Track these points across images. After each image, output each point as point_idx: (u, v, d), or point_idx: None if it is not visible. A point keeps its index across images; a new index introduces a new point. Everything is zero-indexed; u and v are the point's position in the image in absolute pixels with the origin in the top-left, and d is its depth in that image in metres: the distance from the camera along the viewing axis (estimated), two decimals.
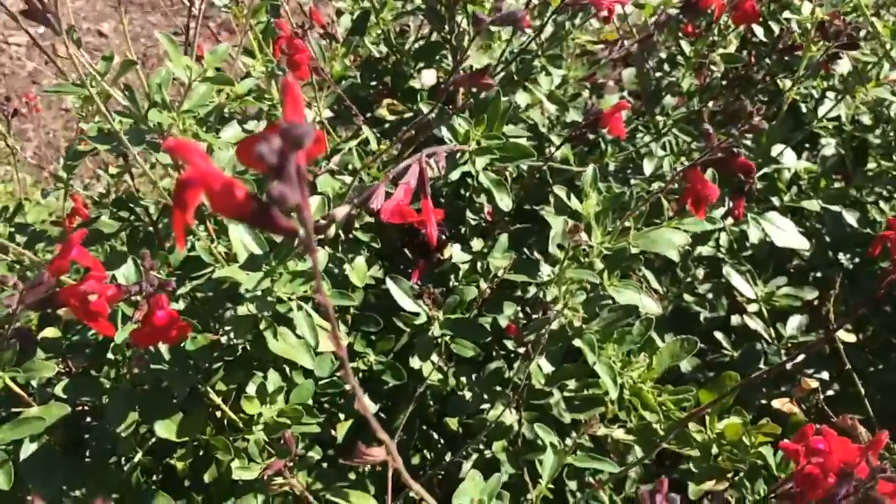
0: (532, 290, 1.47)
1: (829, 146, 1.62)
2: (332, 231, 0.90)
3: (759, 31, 1.65)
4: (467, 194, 1.48)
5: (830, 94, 1.70)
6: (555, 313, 1.07)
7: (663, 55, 1.65)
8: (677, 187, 1.06)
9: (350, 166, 1.27)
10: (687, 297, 1.60)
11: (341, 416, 1.42)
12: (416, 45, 1.57)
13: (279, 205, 0.43)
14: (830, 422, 1.26)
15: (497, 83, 1.46)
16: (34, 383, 1.08)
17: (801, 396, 1.23)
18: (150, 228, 1.24)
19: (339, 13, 1.58)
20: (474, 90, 1.30)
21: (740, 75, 1.53)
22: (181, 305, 1.13)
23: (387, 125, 1.40)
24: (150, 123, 1.04)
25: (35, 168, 3.57)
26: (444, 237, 1.27)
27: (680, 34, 1.67)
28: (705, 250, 1.68)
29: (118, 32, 4.83)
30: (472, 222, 1.45)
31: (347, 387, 1.40)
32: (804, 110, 1.61)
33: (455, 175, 1.21)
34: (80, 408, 1.22)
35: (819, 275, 1.88)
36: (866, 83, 1.41)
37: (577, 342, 1.12)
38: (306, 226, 0.46)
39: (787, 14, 1.36)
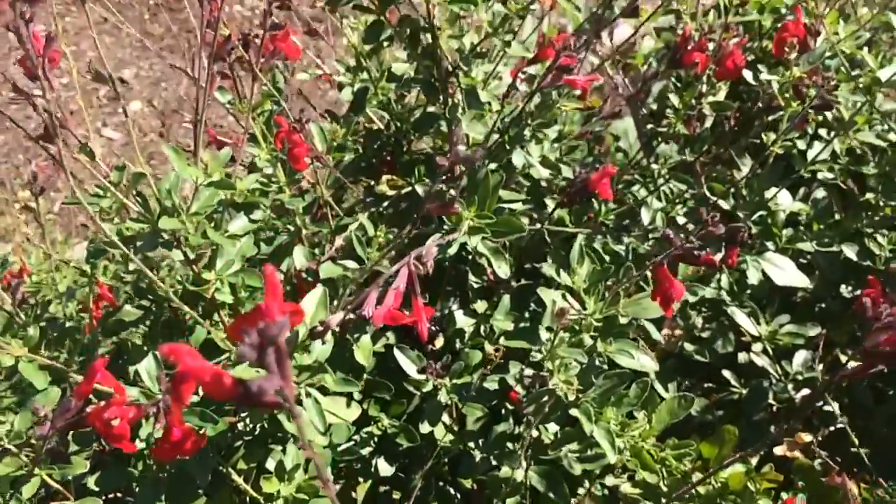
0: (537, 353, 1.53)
1: (819, 189, 1.65)
2: (328, 336, 0.97)
3: (748, 74, 1.70)
4: (470, 257, 1.54)
5: (823, 131, 1.74)
6: (551, 385, 1.12)
7: (655, 106, 1.70)
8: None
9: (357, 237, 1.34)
10: (687, 345, 1.64)
11: (360, 478, 1.48)
12: (416, 114, 1.63)
13: (259, 395, 0.50)
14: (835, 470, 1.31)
15: (491, 149, 1.53)
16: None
17: (797, 448, 1.27)
18: (171, 315, 1.32)
19: (341, 87, 1.66)
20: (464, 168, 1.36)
21: (731, 123, 1.57)
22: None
23: (387, 202, 1.47)
24: (163, 228, 1.12)
25: (64, 221, 3.71)
26: (434, 329, 1.33)
27: (671, 82, 1.72)
28: (708, 293, 1.72)
29: (139, 78, 4.98)
30: (475, 285, 1.51)
31: (364, 451, 1.47)
32: (794, 155, 1.65)
33: (454, 250, 1.27)
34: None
35: (824, 306, 1.91)
36: (850, 129, 1.45)
37: (573, 412, 1.18)
38: (288, 400, 0.52)
39: (764, 76, 1.40)
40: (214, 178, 1.14)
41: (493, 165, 1.54)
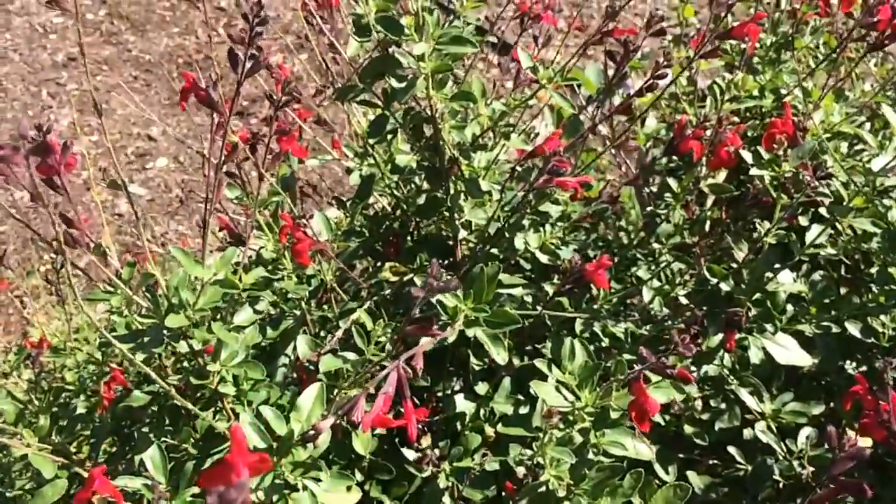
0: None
1: (816, 273, 1.67)
2: (321, 440, 1.01)
3: (747, 155, 1.73)
4: (472, 339, 1.58)
5: (823, 210, 1.76)
6: (542, 481, 1.15)
7: (655, 189, 1.74)
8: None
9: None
10: (687, 427, 1.65)
11: None
12: (421, 198, 1.68)
13: None
14: None
15: (492, 235, 1.58)
16: None
17: None
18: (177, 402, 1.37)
19: (349, 171, 1.72)
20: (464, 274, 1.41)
21: (724, 215, 1.61)
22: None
23: (389, 289, 1.52)
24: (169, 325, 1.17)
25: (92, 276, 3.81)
26: (423, 429, 1.36)
27: (671, 166, 1.76)
28: (711, 369, 1.74)
29: (166, 136, 5.13)
30: (477, 367, 1.55)
31: None
32: (793, 236, 1.67)
33: (452, 338, 1.31)
34: None
35: (830, 380, 1.91)
36: (847, 214, 1.48)
37: None
38: None
39: (754, 171, 1.44)
40: (220, 277, 1.20)
41: (494, 250, 1.59)
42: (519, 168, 1.44)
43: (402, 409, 1.05)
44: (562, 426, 1.24)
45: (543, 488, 1.16)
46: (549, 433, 1.15)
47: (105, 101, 5.19)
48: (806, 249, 1.60)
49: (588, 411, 1.21)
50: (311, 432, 0.95)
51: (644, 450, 1.34)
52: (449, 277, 0.98)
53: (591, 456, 1.22)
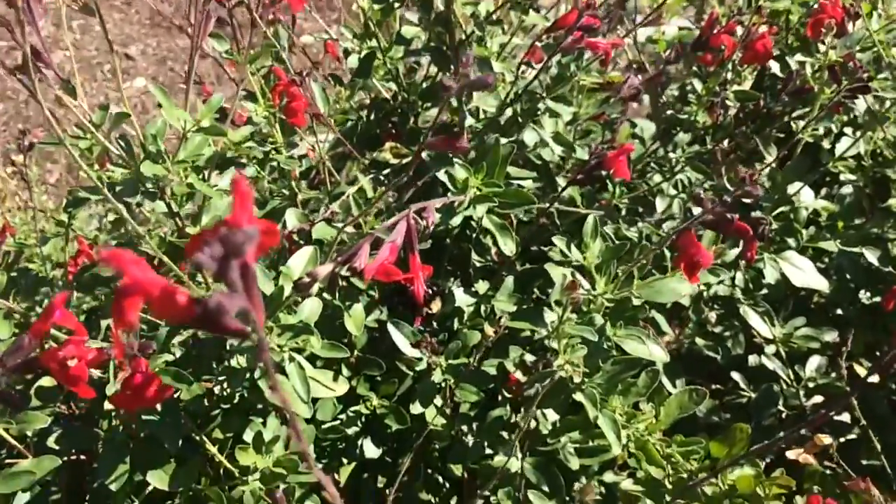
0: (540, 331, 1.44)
1: (847, 185, 1.57)
2: (314, 289, 0.89)
3: (774, 66, 1.62)
4: (473, 235, 1.46)
5: (848, 130, 1.66)
6: (556, 367, 1.04)
7: (676, 93, 1.62)
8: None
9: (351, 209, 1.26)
10: (699, 340, 1.56)
11: (344, 459, 1.40)
12: (425, 85, 1.55)
13: (220, 314, 0.42)
14: (850, 478, 1.22)
15: (502, 123, 1.45)
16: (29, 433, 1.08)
17: (814, 451, 1.19)
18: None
19: (347, 53, 1.58)
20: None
21: (755, 111, 1.49)
22: (177, 354, 1.13)
23: (389, 169, 1.39)
24: (146, 174, 1.03)
25: (60, 192, 3.63)
26: (431, 291, 1.24)
27: (694, 69, 1.64)
28: (721, 289, 1.64)
29: (145, 55, 4.91)
30: (478, 264, 1.43)
31: (350, 430, 1.38)
32: (821, 148, 1.57)
33: (457, 221, 1.19)
34: (80, 456, 1.22)
35: (840, 312, 1.83)
36: (883, 124, 1.37)
37: (578, 396, 1.09)
38: (256, 328, 0.44)
39: (798, 57, 1.32)
40: (204, 124, 1.06)
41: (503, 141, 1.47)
42: (539, 43, 1.31)
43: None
44: (576, 318, 1.13)
45: (553, 377, 1.05)
46: (567, 313, 1.04)
47: (83, 17, 4.94)
48: (837, 160, 1.50)
49: (608, 297, 1.10)
50: (306, 279, 0.83)
51: (658, 352, 1.24)
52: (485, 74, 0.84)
53: (606, 346, 1.11)
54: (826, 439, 1.15)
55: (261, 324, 0.44)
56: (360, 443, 1.36)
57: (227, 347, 1.02)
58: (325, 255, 1.16)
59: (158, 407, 1.03)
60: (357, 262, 0.82)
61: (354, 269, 0.82)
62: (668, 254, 1.14)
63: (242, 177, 0.45)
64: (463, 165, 1.14)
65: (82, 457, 1.18)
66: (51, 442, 1.02)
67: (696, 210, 0.98)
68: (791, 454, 1.28)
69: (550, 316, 1.23)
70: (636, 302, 1.10)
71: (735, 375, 1.69)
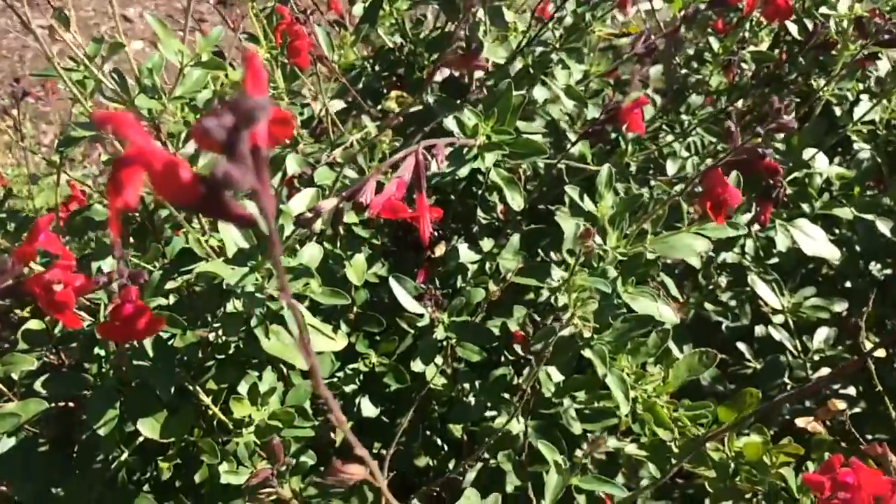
0: (545, 293, 1.40)
1: (864, 151, 1.53)
2: (317, 226, 0.84)
3: (792, 28, 1.57)
4: (479, 192, 1.41)
5: (865, 97, 1.61)
6: (564, 322, 1.00)
7: (691, 52, 1.57)
8: (699, 191, 0.98)
9: (358, 156, 1.21)
10: (708, 305, 1.52)
11: None
12: (432, 35, 1.50)
13: (227, 188, 0.37)
14: (859, 449, 1.19)
15: (512, 77, 1.40)
16: (14, 376, 1.03)
17: (827, 418, 1.15)
18: (145, 218, 1.19)
19: (352, 1, 1.52)
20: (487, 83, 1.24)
21: (772, 74, 1.45)
22: (171, 300, 1.08)
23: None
24: (140, 110, 0.98)
25: (53, 151, 3.56)
26: (437, 234, 1.20)
27: (709, 30, 1.59)
28: (730, 257, 1.60)
29: (143, 18, 4.82)
30: (484, 221, 1.39)
31: (348, 388, 1.34)
32: (838, 113, 1.52)
33: (464, 172, 1.14)
34: (69, 403, 1.18)
35: (849, 285, 1.79)
36: None
37: (587, 353, 1.05)
38: (266, 214, 0.40)
39: (823, 10, 1.28)
40: (203, 58, 1.01)
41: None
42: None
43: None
44: (586, 273, 1.09)
45: (566, 331, 1.01)
46: (580, 260, 1.00)
47: None
48: (854, 126, 1.45)
49: (620, 251, 1.05)
50: (309, 213, 0.78)
51: (668, 313, 1.20)
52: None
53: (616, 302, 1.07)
54: (840, 404, 1.11)
55: (270, 210, 0.39)
56: (357, 401, 1.32)
57: (224, 289, 0.97)
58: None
59: (151, 352, 0.99)
60: (363, 196, 0.78)
61: (360, 204, 0.78)
62: (684, 209, 1.10)
63: (256, 54, 0.41)
64: (472, 111, 1.09)
65: (70, 405, 1.14)
66: (38, 386, 0.98)
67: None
68: (800, 422, 1.25)
69: (558, 273, 1.19)
70: (650, 256, 1.05)
71: (741, 346, 1.66)
